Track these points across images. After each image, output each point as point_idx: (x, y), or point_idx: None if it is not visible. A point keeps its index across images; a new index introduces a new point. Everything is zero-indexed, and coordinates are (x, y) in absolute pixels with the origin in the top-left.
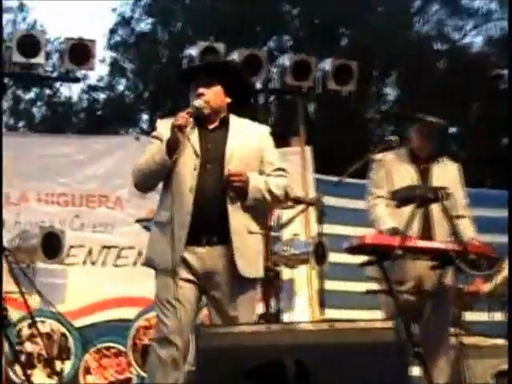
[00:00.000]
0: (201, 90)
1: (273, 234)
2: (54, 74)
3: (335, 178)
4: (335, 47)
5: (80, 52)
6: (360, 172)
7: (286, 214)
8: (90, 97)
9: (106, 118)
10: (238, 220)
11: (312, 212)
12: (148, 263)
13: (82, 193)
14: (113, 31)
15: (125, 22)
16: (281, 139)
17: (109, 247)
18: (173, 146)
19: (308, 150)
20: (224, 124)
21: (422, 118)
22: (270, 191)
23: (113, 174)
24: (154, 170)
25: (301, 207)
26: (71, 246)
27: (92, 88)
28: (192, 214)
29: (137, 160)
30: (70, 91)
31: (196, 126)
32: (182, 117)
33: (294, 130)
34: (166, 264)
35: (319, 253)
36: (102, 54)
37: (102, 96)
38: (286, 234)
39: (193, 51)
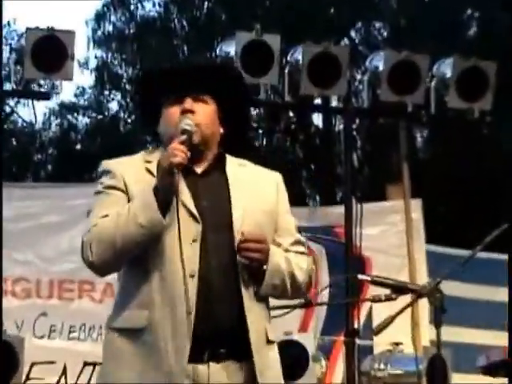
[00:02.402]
0: (188, 105)
1: (360, 342)
2: (7, 87)
3: (462, 252)
4: (458, 40)
5: (49, 51)
6: (500, 242)
7: (380, 311)
8: (63, 121)
9: (88, 156)
10: (256, 321)
11: (424, 307)
12: None
13: (51, 277)
14: (100, 17)
15: (119, 2)
16: (372, 188)
17: (94, 364)
18: (168, 200)
19: (416, 205)
20: (218, 165)
21: None
22: (292, 276)
23: None
24: (134, 239)
25: (405, 299)
26: (33, 364)
27: (67, 108)
28: (196, 314)
29: (88, 224)
30: (32, 113)
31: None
32: (180, 150)
33: (394, 173)
34: None
35: (436, 373)
36: (83, 54)
37: (83, 120)
38: (381, 342)
39: (230, 47)
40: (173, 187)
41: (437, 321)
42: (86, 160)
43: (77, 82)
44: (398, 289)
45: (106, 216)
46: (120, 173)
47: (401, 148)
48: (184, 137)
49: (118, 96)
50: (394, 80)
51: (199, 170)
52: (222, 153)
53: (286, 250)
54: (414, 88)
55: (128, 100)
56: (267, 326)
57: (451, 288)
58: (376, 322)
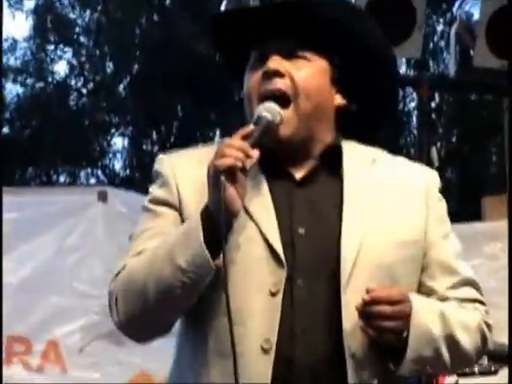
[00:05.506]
0: (274, 65)
1: None
2: None
3: None
4: None
5: None
6: None
7: None
8: None
9: (22, 144)
10: None
11: None
12: None
13: None
14: None
15: None
16: (460, 200)
17: None
18: (220, 227)
19: None
20: (329, 165)
21: None
22: (452, 340)
23: (43, 284)
24: (173, 289)
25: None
26: None
27: None
28: None
29: (116, 263)
30: None
31: (261, 170)
32: (235, 147)
33: (493, 178)
34: None
35: None
36: None
37: (13, 90)
38: None
39: None
40: (225, 206)
41: None
42: (17, 151)
43: (6, 31)
44: (500, 357)
45: (141, 253)
46: (174, 178)
47: (505, 139)
48: (251, 128)
49: (69, 53)
50: (496, 36)
51: (299, 174)
52: (337, 143)
53: (444, 299)
54: None
55: (83, 59)
56: None
57: None
58: None
